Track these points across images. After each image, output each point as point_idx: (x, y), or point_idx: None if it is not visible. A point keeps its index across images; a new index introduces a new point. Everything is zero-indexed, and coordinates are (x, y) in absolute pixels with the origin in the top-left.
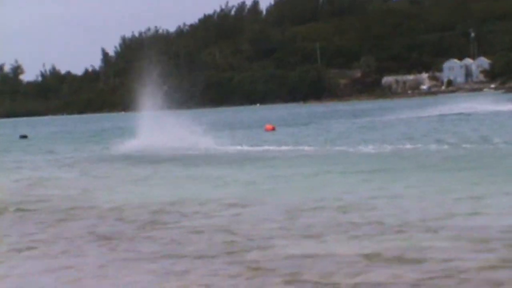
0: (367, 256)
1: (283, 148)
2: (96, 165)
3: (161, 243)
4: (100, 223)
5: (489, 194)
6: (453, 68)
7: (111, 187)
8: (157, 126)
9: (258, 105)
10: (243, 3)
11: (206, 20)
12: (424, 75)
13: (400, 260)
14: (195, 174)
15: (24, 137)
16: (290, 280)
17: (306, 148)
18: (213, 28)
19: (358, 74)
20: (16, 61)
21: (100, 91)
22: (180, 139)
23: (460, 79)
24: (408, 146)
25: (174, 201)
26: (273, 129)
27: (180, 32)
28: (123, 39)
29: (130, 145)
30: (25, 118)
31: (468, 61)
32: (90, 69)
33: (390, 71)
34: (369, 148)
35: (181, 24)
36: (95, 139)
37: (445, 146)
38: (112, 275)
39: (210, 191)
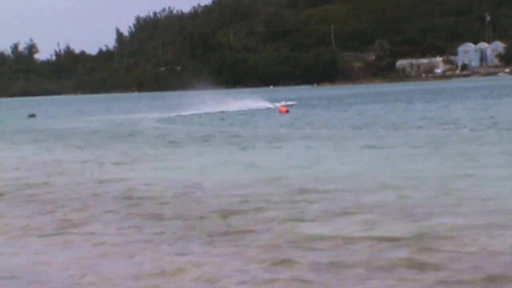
0: None
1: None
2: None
3: None
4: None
5: None
6: (467, 52)
7: None
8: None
9: (271, 87)
10: None
11: (220, 2)
12: (439, 59)
13: None
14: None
15: (32, 116)
16: None
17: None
18: (227, 9)
19: (372, 57)
20: (31, 40)
21: (114, 71)
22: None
23: (474, 63)
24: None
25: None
26: (287, 111)
27: (194, 13)
28: (138, 19)
29: None
30: (39, 97)
31: (483, 45)
32: (104, 49)
33: (405, 55)
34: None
35: (195, 5)
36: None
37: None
38: None
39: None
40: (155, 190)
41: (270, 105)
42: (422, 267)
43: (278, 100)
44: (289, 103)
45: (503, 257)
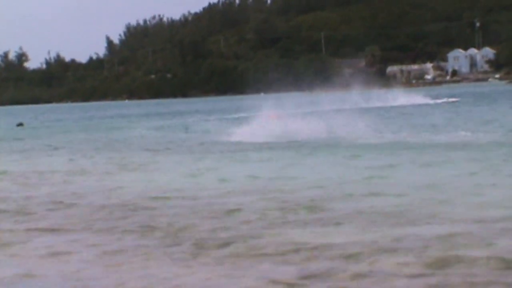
0: None
1: None
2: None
3: None
4: None
5: None
6: (458, 58)
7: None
8: None
9: (262, 94)
10: None
11: (211, 9)
12: (429, 65)
13: None
14: None
15: (20, 124)
16: None
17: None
18: (217, 16)
19: (363, 63)
20: (21, 48)
21: (104, 79)
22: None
23: (464, 69)
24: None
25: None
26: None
27: (184, 21)
28: (128, 27)
29: None
30: (29, 106)
31: (473, 51)
32: (94, 57)
33: (395, 61)
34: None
35: (185, 12)
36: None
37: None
38: None
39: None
40: None
41: (430, 101)
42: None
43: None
44: (451, 100)
45: None
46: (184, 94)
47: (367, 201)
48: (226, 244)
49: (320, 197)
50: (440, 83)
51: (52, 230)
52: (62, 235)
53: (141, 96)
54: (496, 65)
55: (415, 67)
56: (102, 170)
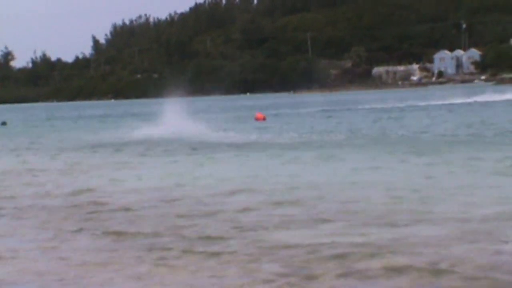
0: None
1: None
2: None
3: None
4: None
5: None
6: (444, 59)
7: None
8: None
9: (248, 94)
10: None
11: (197, 9)
12: (415, 66)
13: None
14: None
15: (3, 123)
16: None
17: None
18: (204, 16)
19: (348, 64)
20: (7, 48)
21: (91, 78)
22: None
23: (450, 70)
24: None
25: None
26: (264, 118)
27: (171, 21)
28: (114, 26)
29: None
30: (15, 105)
31: (459, 52)
32: (80, 56)
33: (381, 62)
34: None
35: (172, 12)
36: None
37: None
38: None
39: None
40: None
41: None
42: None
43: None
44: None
45: None
46: (170, 94)
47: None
48: None
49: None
50: (426, 84)
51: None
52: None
53: (127, 96)
54: (482, 66)
55: (401, 68)
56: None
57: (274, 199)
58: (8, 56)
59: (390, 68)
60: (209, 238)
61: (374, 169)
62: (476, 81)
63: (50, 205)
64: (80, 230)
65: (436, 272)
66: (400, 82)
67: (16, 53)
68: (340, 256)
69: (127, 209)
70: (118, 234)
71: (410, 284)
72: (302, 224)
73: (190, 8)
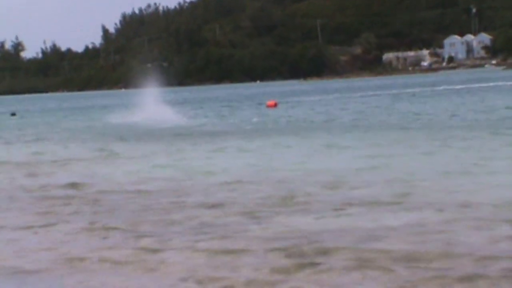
0: None
1: None
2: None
3: None
4: None
5: None
6: (454, 44)
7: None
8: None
9: (258, 82)
10: None
11: None
12: (425, 52)
13: None
14: None
15: (13, 114)
16: None
17: None
18: (213, 4)
19: (358, 51)
20: (17, 38)
21: (100, 68)
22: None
23: (461, 55)
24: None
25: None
26: (275, 105)
27: (180, 9)
28: (123, 16)
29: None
30: (25, 95)
31: (469, 37)
32: (90, 46)
33: (391, 48)
34: None
35: (181, 1)
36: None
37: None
38: None
39: None
40: None
41: None
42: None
43: None
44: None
45: None
46: (180, 83)
47: None
48: None
49: None
50: (436, 69)
51: None
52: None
53: (137, 85)
54: (492, 51)
55: (411, 53)
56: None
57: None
58: (18, 46)
59: (400, 54)
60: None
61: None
62: (486, 65)
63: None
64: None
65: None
66: (410, 68)
67: (26, 44)
68: None
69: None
70: None
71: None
72: None
73: None
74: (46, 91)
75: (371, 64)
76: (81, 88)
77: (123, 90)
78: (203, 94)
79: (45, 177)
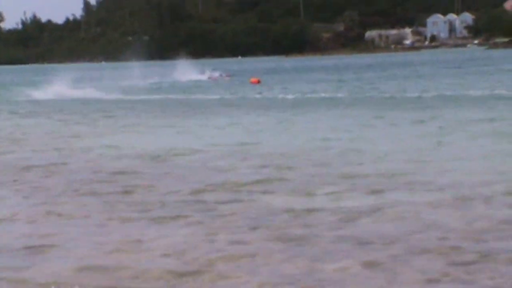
0: None
1: None
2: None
3: None
4: None
5: None
6: (437, 23)
7: None
8: None
9: (239, 57)
10: None
11: None
12: (408, 30)
13: None
14: None
15: None
16: None
17: None
18: None
19: (341, 28)
20: None
21: (81, 40)
22: None
23: (443, 34)
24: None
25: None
26: (258, 82)
27: None
28: None
29: None
30: (5, 66)
31: (452, 16)
32: (71, 18)
33: (374, 26)
34: None
35: None
36: None
37: None
38: None
39: None
40: None
41: None
42: None
43: None
44: None
45: None
46: (161, 57)
47: None
48: None
49: None
50: (418, 48)
51: None
52: None
53: (117, 58)
54: (474, 30)
55: (393, 32)
56: None
57: None
58: None
59: (383, 32)
60: None
61: None
62: (469, 45)
63: None
64: None
65: None
66: (392, 46)
67: (5, 14)
68: None
69: None
70: None
71: None
72: None
73: None
74: (26, 63)
75: (353, 42)
76: (61, 60)
77: (103, 63)
78: None
79: None
